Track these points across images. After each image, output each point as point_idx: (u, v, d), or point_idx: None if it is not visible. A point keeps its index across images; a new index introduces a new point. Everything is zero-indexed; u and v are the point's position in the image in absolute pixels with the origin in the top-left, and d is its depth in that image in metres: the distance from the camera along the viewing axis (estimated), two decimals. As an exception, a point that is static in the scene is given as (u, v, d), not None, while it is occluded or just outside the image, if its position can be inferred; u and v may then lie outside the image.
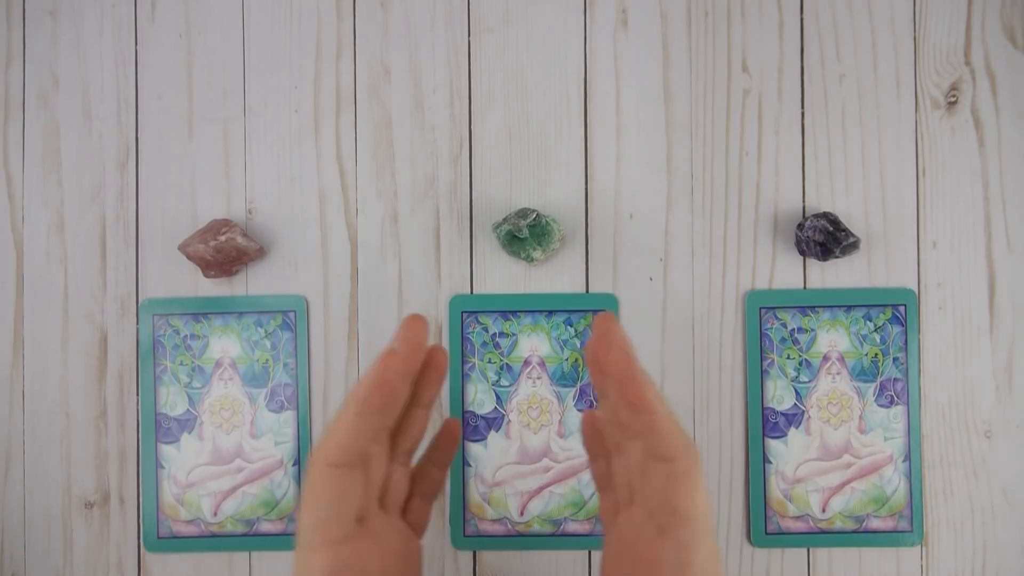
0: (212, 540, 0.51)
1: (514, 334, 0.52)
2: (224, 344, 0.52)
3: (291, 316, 0.52)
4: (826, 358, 0.51)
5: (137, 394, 0.52)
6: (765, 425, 0.51)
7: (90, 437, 0.52)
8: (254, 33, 0.53)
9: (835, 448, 0.51)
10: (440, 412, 0.52)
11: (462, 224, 0.52)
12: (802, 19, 0.52)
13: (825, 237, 0.49)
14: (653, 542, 0.32)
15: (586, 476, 0.51)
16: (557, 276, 0.52)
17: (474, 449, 0.51)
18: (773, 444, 0.51)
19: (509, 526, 0.51)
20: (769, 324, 0.51)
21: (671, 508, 0.31)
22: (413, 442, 0.37)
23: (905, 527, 0.51)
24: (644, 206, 0.52)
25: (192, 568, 0.52)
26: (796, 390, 0.51)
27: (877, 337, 0.51)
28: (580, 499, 0.51)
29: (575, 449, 0.51)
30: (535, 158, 0.52)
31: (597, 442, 0.39)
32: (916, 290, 0.51)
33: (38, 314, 0.53)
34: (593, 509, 0.51)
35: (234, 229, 0.50)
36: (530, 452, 0.51)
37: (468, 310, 0.52)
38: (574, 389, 0.51)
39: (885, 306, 0.51)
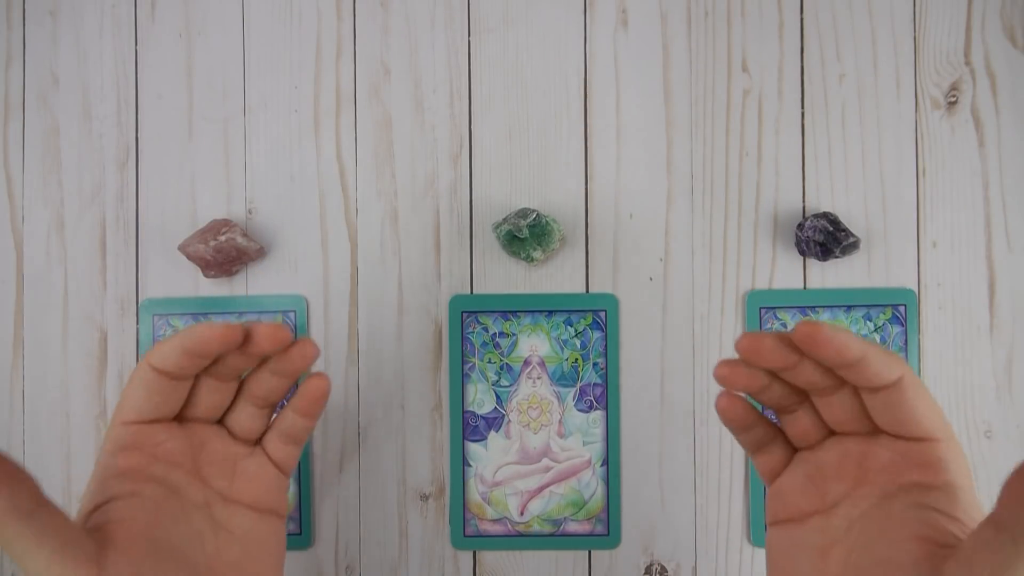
0: (212, 540, 0.51)
1: (514, 334, 0.52)
2: (224, 344, 0.52)
3: (291, 316, 0.52)
4: (826, 358, 0.51)
5: (137, 394, 0.52)
6: (765, 425, 0.51)
7: (90, 437, 0.52)
8: (254, 33, 0.53)
9: (835, 448, 0.51)
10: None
11: (462, 224, 0.52)
12: (802, 19, 0.52)
13: (825, 237, 0.49)
14: (896, 450, 0.31)
15: (586, 476, 0.51)
16: (557, 276, 0.52)
17: (474, 449, 0.51)
18: (773, 444, 0.51)
19: (509, 526, 0.51)
20: (769, 324, 0.51)
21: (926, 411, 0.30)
22: (264, 398, 0.37)
23: (905, 527, 0.51)
24: (644, 206, 0.52)
25: (192, 568, 0.52)
26: (796, 390, 0.51)
27: (877, 337, 0.51)
28: (580, 499, 0.51)
29: (575, 449, 0.51)
30: (535, 158, 0.52)
31: (743, 415, 0.35)
32: (916, 290, 0.51)
33: (38, 314, 0.53)
34: (593, 509, 0.51)
35: (234, 229, 0.50)
36: (530, 452, 0.51)
37: (468, 310, 0.52)
38: (574, 389, 0.51)
39: (885, 306, 0.51)
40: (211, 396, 0.36)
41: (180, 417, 0.35)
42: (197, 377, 0.35)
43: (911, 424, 0.30)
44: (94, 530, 0.30)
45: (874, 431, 0.32)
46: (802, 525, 0.33)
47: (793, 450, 0.36)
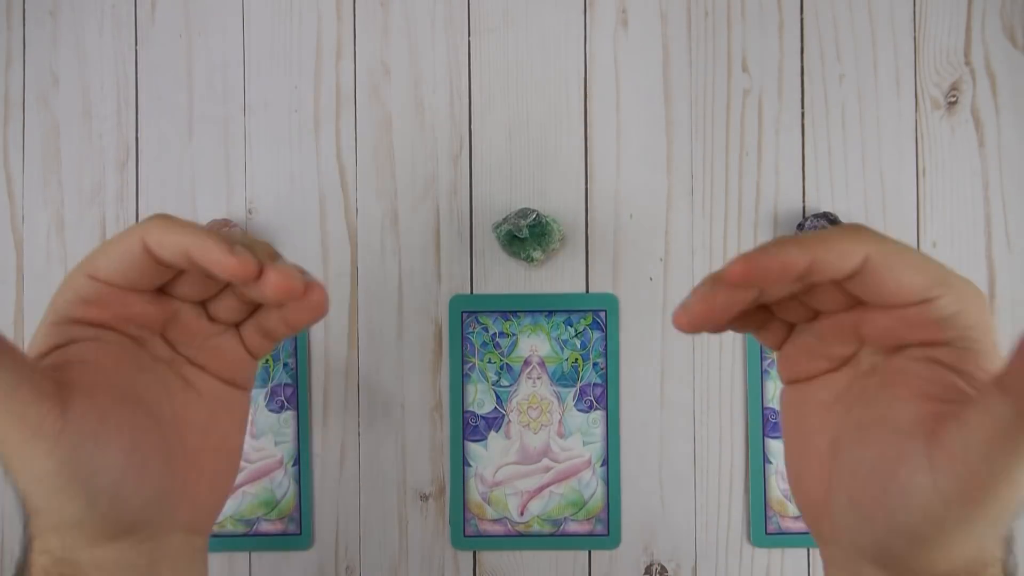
0: (212, 540, 0.51)
1: (514, 334, 0.52)
2: (224, 344, 0.52)
3: (291, 316, 0.52)
4: (826, 358, 0.51)
5: (137, 394, 0.52)
6: (765, 425, 0.51)
7: (90, 437, 0.52)
8: (254, 33, 0.53)
9: (835, 448, 0.51)
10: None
11: (462, 224, 0.52)
12: (802, 19, 0.52)
13: (825, 237, 0.49)
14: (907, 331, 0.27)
15: (586, 476, 0.51)
16: (557, 276, 0.52)
17: (474, 449, 0.51)
18: (773, 444, 0.51)
19: (509, 526, 0.51)
20: (769, 324, 0.51)
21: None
22: (252, 303, 0.33)
23: (905, 527, 0.51)
24: (644, 206, 0.52)
25: (192, 568, 0.52)
26: (796, 390, 0.51)
27: (877, 337, 0.51)
28: (580, 499, 0.51)
29: (575, 449, 0.51)
30: (535, 158, 0.52)
31: (712, 324, 0.31)
32: (916, 290, 0.51)
33: (38, 314, 0.53)
34: (593, 509, 0.51)
35: (234, 229, 0.50)
36: (530, 452, 0.51)
37: (468, 310, 0.52)
38: (574, 389, 0.51)
39: (885, 306, 0.51)
40: (196, 286, 0.31)
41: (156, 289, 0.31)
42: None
43: (896, 296, 0.27)
44: (52, 370, 0.27)
45: (865, 304, 0.29)
46: (811, 383, 0.31)
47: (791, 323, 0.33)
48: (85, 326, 0.29)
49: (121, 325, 0.30)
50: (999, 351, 0.27)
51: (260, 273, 0.28)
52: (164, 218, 0.28)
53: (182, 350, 0.32)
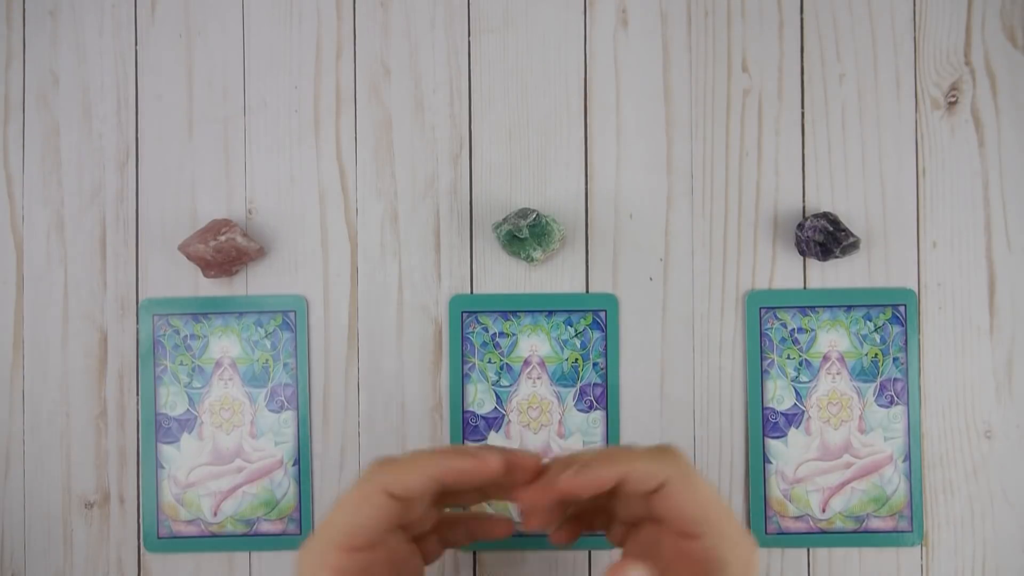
0: (212, 540, 0.51)
1: (514, 334, 0.52)
2: (224, 344, 0.52)
3: (291, 316, 0.52)
4: (826, 358, 0.51)
5: (137, 394, 0.52)
6: (765, 425, 0.51)
7: (90, 437, 0.52)
8: (254, 33, 0.53)
9: (835, 448, 0.51)
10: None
11: (462, 224, 0.52)
12: (802, 19, 0.52)
13: (825, 237, 0.49)
14: (678, 545, 0.34)
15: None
16: (557, 276, 0.52)
17: (474, 449, 0.51)
18: (773, 444, 0.51)
19: (509, 526, 0.51)
20: (769, 324, 0.51)
21: (684, 519, 0.34)
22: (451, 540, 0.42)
23: (905, 527, 0.51)
24: (644, 206, 0.52)
25: (192, 568, 0.52)
26: (796, 390, 0.51)
27: (877, 337, 0.51)
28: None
29: (574, 449, 0.51)
30: (535, 158, 0.52)
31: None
32: (916, 290, 0.52)
33: (38, 314, 0.53)
34: (593, 509, 0.51)
35: (234, 229, 0.50)
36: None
37: (468, 310, 0.52)
38: (574, 389, 0.51)
39: (885, 306, 0.51)
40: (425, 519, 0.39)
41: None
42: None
43: (676, 521, 0.33)
44: None
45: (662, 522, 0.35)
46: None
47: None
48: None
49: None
50: None
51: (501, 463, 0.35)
52: (393, 467, 0.36)
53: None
